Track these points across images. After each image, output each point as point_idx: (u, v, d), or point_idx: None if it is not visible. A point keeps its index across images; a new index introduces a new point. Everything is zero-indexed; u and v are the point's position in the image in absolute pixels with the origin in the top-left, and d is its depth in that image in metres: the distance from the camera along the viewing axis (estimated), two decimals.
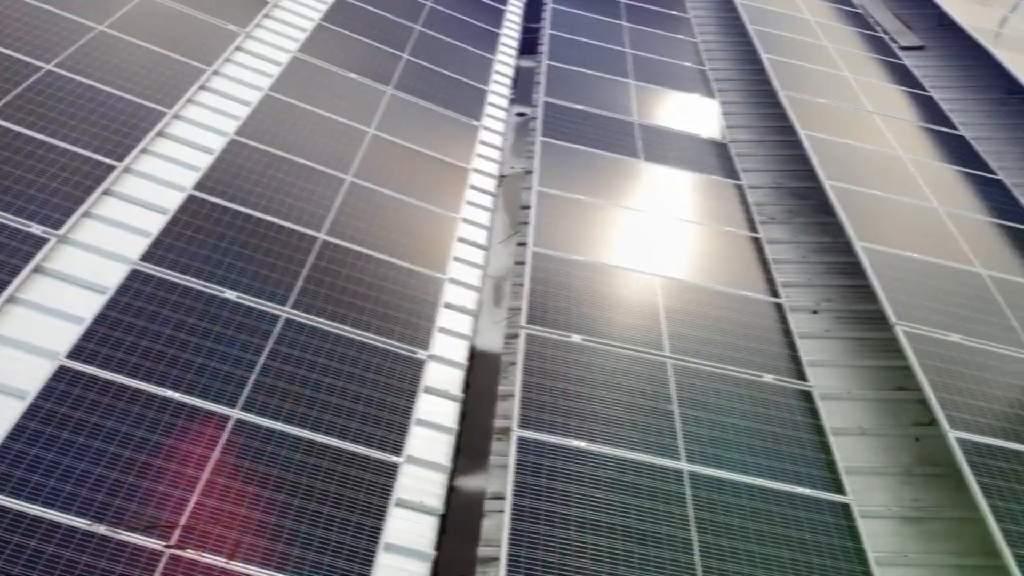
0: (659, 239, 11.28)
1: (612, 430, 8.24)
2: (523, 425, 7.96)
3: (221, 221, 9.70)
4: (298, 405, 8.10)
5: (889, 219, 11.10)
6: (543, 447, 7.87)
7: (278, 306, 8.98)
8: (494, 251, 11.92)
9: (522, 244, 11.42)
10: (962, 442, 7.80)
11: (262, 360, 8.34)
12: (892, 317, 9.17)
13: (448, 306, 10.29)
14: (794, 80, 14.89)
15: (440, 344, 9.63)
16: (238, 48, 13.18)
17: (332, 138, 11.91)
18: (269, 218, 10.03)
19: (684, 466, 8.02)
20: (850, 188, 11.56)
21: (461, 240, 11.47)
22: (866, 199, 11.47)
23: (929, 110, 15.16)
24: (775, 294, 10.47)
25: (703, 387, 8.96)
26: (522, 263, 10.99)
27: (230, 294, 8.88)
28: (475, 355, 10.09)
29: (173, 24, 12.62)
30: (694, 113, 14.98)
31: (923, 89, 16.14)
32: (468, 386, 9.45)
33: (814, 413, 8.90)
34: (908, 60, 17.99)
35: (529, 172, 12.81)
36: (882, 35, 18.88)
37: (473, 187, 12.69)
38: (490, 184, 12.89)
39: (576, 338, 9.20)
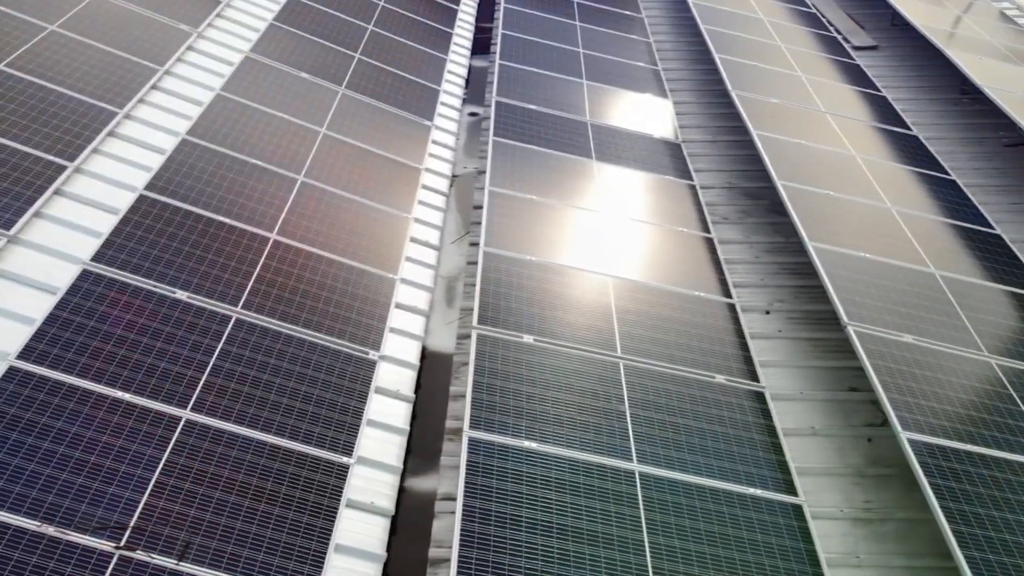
0: (612, 239, 11.35)
1: (563, 431, 8.29)
2: (474, 426, 8.00)
3: (172, 221, 9.70)
4: (249, 406, 8.11)
5: (842, 219, 11.24)
6: (493, 448, 7.91)
7: (229, 306, 8.99)
8: (446, 251, 11.98)
9: (474, 244, 11.43)
10: (914, 443, 7.92)
11: (213, 360, 8.34)
12: (844, 318, 9.29)
13: (400, 306, 10.31)
14: (747, 80, 15.04)
15: (392, 344, 9.66)
16: (190, 48, 13.17)
17: (284, 138, 11.93)
18: (220, 218, 10.04)
19: (636, 467, 8.07)
20: (802, 188, 11.69)
21: (413, 240, 11.51)
22: (818, 199, 11.60)
23: (882, 110, 15.35)
24: (727, 294, 10.58)
25: (655, 387, 9.03)
26: (474, 263, 10.97)
27: (181, 294, 8.86)
28: (427, 355, 10.18)
29: (125, 24, 12.60)
30: (647, 113, 15.10)
31: (876, 89, 16.32)
32: (419, 386, 9.50)
33: (766, 414, 9.00)
34: (861, 60, 18.20)
35: (481, 172, 12.85)
36: (835, 35, 19.08)
37: (425, 187, 12.73)
38: (442, 184, 12.94)
39: (528, 338, 9.25)
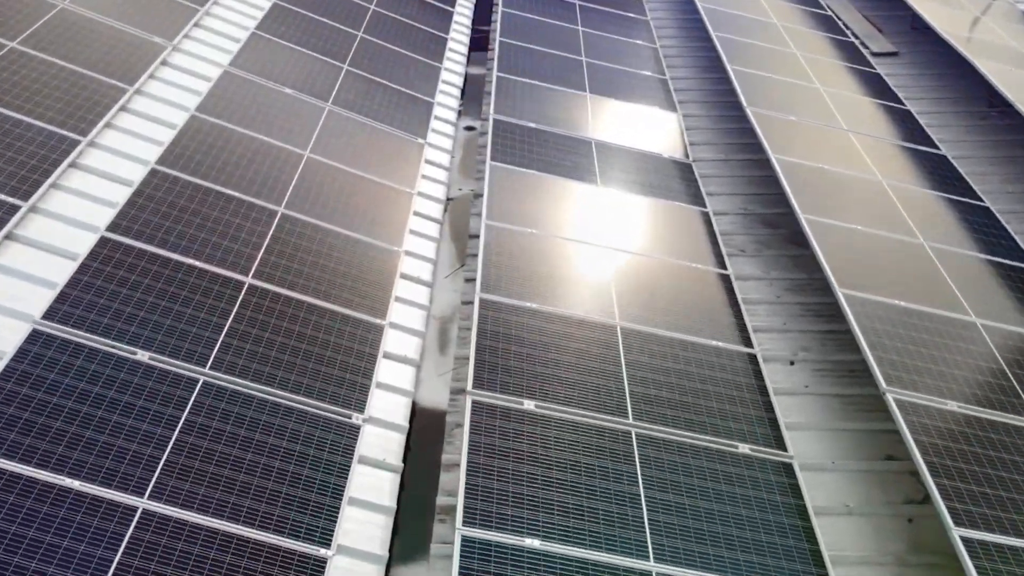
0: (620, 280, 10.46)
1: (571, 523, 7.42)
2: (467, 521, 7.15)
3: (136, 267, 8.84)
4: (214, 490, 7.23)
5: (873, 260, 10.26)
6: (490, 550, 7.03)
7: (196, 367, 8.11)
8: (440, 286, 10.97)
9: (470, 280, 10.61)
10: (968, 542, 6.93)
11: (175, 436, 7.53)
12: (882, 383, 8.36)
13: (388, 356, 9.44)
14: (762, 95, 14.04)
15: (378, 403, 8.82)
16: (164, 63, 12.14)
17: (264, 163, 11.02)
18: (190, 261, 9.18)
19: (653, 567, 7.23)
20: (828, 223, 10.71)
21: (404, 277, 10.61)
22: (846, 236, 10.64)
23: (906, 126, 14.36)
24: (748, 342, 9.67)
25: (671, 463, 8.19)
26: (470, 302, 10.23)
27: (142, 355, 8.01)
28: (417, 411, 9.26)
29: (91, 39, 11.67)
30: (655, 129, 14.24)
31: (899, 102, 15.32)
32: (408, 448, 8.64)
33: (795, 490, 8.17)
34: (881, 68, 17.18)
35: (478, 196, 12.02)
36: (852, 40, 18.03)
37: (417, 214, 11.83)
38: (436, 210, 12.11)
39: (528, 404, 8.41)
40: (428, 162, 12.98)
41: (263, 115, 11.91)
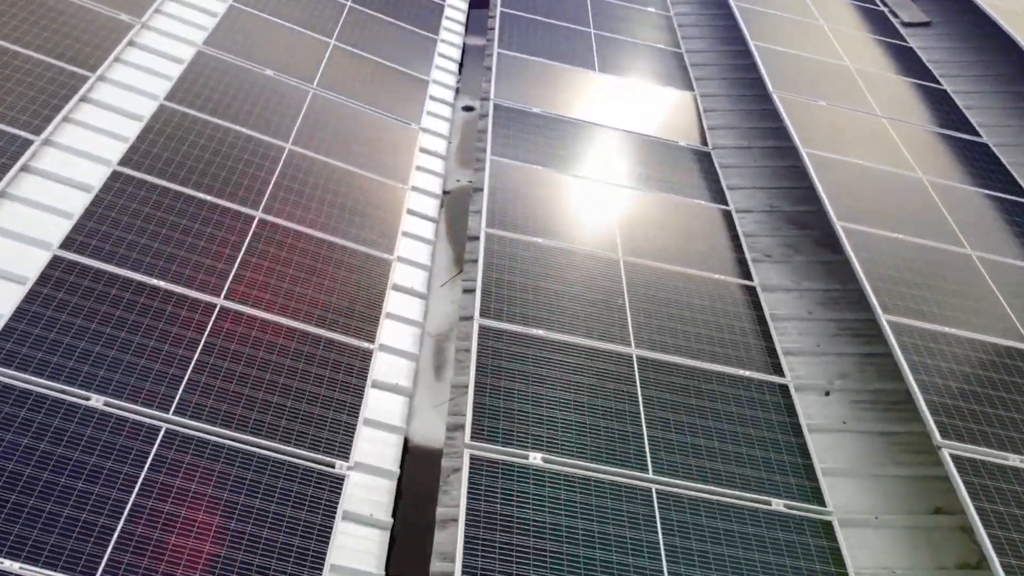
0: (635, 297, 9.68)
1: None
2: None
3: (90, 292, 8.08)
4: (175, 567, 6.47)
5: (921, 276, 9.39)
6: None
7: (159, 413, 7.36)
8: (435, 295, 10.12)
9: (469, 291, 9.82)
10: None
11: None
12: (936, 436, 7.58)
13: (377, 385, 8.71)
14: (789, 76, 13.12)
15: (366, 446, 8.06)
16: (132, 43, 11.44)
17: (240, 160, 10.17)
18: (154, 281, 8.45)
19: None
20: (868, 232, 9.83)
21: (396, 288, 9.86)
22: (888, 246, 9.80)
23: (944, 110, 13.49)
24: (779, 370, 8.88)
25: (697, 525, 7.44)
26: (468, 318, 9.53)
27: (96, 401, 7.25)
28: (409, 448, 8.52)
29: (54, 16, 10.84)
30: (671, 112, 13.39)
31: (935, 80, 14.40)
32: (400, 495, 7.93)
33: (836, 556, 7.39)
34: (913, 40, 16.19)
35: (478, 190, 11.24)
36: (882, 8, 17.00)
37: (411, 212, 11.03)
38: (432, 206, 11.36)
39: (535, 458, 7.63)
40: (423, 151, 12.17)
41: (240, 100, 11.14)
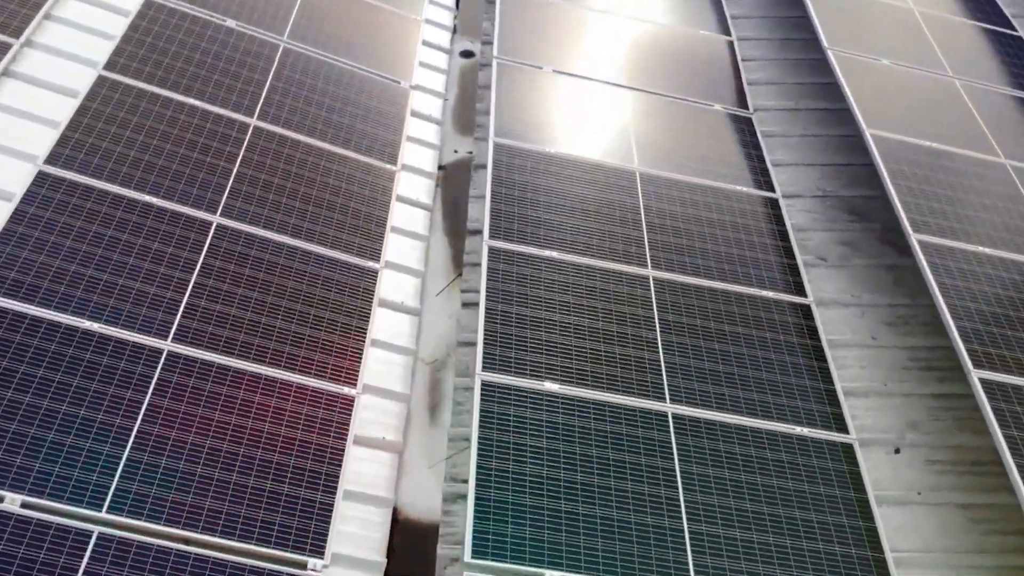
0: (664, 323, 8.63)
1: None
2: None
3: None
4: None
5: (1014, 310, 8.15)
6: None
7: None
8: (428, 309, 9.17)
9: (469, 305, 8.80)
10: None
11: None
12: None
13: (360, 442, 7.66)
14: (846, 28, 11.81)
15: (346, 527, 7.11)
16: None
17: (196, 144, 9.10)
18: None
19: None
20: (949, 247, 8.58)
21: (383, 304, 8.79)
22: (973, 260, 8.64)
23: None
24: (841, 424, 8.00)
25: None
26: (469, 344, 8.49)
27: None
28: (398, 521, 7.47)
29: None
30: (705, 66, 12.03)
31: (1009, 25, 12.99)
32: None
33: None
34: None
35: (481, 167, 10.19)
36: None
37: (401, 199, 9.87)
38: (424, 189, 10.22)
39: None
40: (415, 114, 10.95)
41: (196, 62, 9.96)
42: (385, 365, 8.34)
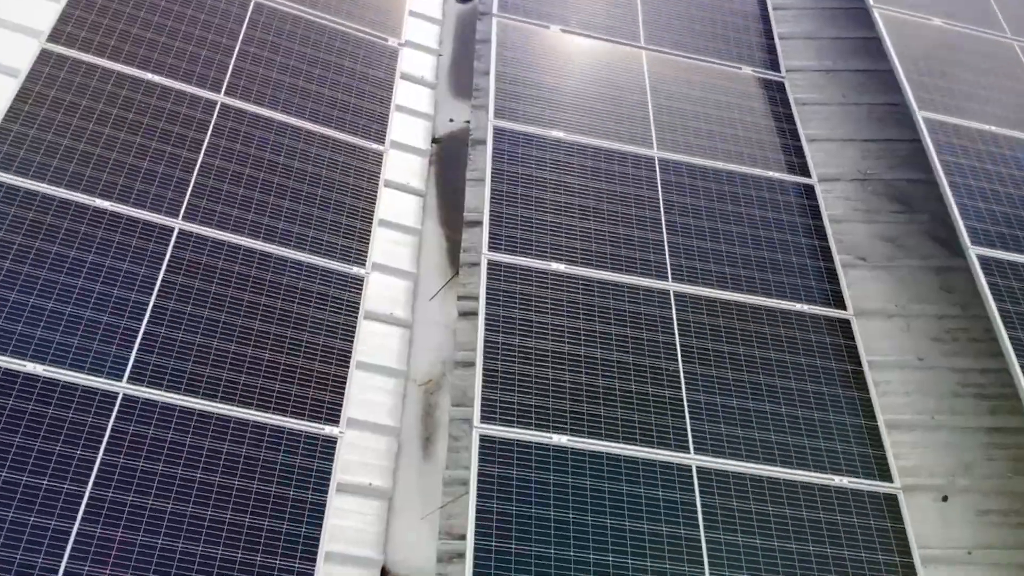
0: (686, 349, 7.94)
1: None
2: None
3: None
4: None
5: None
6: None
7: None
8: (421, 318, 8.48)
9: (467, 315, 8.22)
10: None
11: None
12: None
13: (344, 489, 7.08)
14: None
15: None
16: None
17: (158, 129, 8.36)
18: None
19: None
20: (1008, 259, 7.85)
21: (370, 317, 8.10)
22: None
23: None
24: (884, 469, 7.38)
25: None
26: (468, 365, 7.94)
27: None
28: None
29: None
30: (731, 19, 11.15)
31: None
32: None
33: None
34: None
35: (479, 143, 9.48)
36: None
37: (389, 184, 9.12)
38: (415, 169, 9.45)
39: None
40: (405, 77, 10.14)
41: (162, 41, 9.16)
42: (372, 392, 7.69)
